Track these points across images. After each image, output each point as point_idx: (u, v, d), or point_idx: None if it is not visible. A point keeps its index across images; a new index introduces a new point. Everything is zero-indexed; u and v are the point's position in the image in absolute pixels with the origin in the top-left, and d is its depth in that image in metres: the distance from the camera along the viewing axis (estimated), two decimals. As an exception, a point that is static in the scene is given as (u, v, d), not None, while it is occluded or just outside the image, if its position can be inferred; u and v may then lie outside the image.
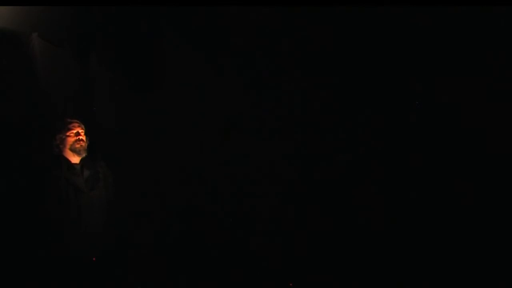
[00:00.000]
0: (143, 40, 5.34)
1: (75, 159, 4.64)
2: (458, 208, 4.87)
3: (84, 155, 4.66)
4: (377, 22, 5.06)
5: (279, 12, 5.14)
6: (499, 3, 4.71)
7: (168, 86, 5.34)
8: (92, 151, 4.72)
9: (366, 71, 5.12)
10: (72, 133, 4.64)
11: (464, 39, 4.91)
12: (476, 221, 4.81)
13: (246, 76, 5.28)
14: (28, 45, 5.09)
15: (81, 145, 4.64)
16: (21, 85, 5.03)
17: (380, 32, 5.08)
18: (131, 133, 5.26)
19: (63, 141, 4.63)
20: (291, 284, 4.87)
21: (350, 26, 5.13)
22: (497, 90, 4.84)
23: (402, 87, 5.06)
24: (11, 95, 4.99)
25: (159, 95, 5.31)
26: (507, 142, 4.82)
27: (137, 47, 5.34)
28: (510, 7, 4.71)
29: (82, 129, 4.68)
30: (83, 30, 5.26)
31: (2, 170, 4.68)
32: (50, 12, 5.06)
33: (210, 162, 5.23)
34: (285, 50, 5.26)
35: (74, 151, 4.63)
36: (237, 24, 5.24)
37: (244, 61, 5.30)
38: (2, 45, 5.01)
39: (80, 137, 4.64)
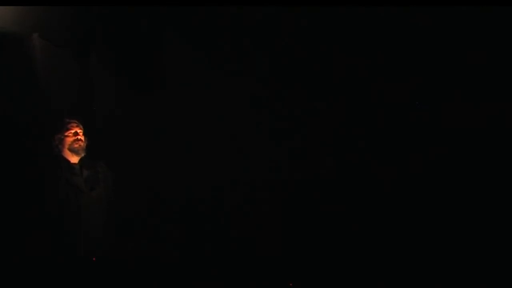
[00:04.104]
0: (143, 40, 5.34)
1: (74, 159, 4.64)
2: (458, 208, 4.87)
3: (82, 155, 4.66)
4: (377, 22, 5.06)
5: (279, 12, 5.14)
6: (499, 3, 4.71)
7: (168, 86, 5.34)
8: (91, 151, 4.72)
9: (366, 71, 5.12)
10: (70, 133, 4.64)
11: (464, 39, 4.91)
12: (475, 221, 4.81)
13: (246, 76, 5.28)
14: (28, 45, 5.09)
15: (79, 145, 4.64)
16: (21, 85, 5.03)
17: (380, 32, 5.08)
18: (131, 133, 5.26)
19: (61, 141, 4.63)
20: (291, 284, 4.87)
21: (350, 26, 5.13)
22: (497, 90, 4.84)
23: (402, 87, 5.06)
24: (11, 95, 4.99)
25: (159, 95, 5.31)
26: (507, 142, 4.82)
27: (137, 47, 5.35)
28: (510, 7, 4.71)
29: (80, 129, 4.68)
30: (83, 30, 5.26)
31: (2, 170, 4.68)
32: (50, 12, 5.05)
33: (210, 162, 5.23)
34: (285, 50, 5.26)
35: (73, 151, 4.63)
36: (237, 24, 5.24)
37: (244, 61, 5.30)
38: (3, 45, 5.00)
39: (79, 137, 4.64)
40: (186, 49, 5.33)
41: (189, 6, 5.09)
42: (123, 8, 5.16)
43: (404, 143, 5.05)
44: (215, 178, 5.22)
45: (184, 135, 5.26)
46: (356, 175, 5.14)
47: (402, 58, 5.05)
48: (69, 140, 4.63)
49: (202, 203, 5.21)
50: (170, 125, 5.27)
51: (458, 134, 4.92)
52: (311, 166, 5.20)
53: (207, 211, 5.19)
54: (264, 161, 5.23)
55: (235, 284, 4.85)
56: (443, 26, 4.92)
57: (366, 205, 5.06)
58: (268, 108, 5.28)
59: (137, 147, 5.22)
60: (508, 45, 4.80)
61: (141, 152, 5.20)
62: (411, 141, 5.04)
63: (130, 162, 5.09)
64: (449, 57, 4.95)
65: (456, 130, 4.92)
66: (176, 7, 5.11)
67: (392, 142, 5.08)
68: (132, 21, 5.30)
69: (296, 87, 5.25)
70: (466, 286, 4.69)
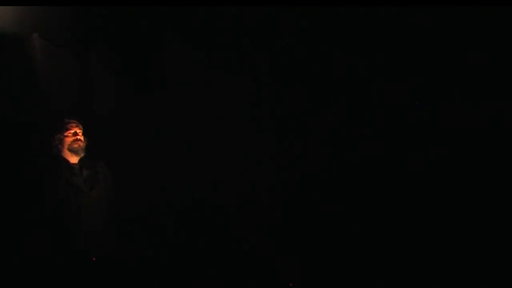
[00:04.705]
0: (143, 40, 5.34)
1: (73, 159, 4.64)
2: (458, 208, 4.87)
3: (82, 155, 4.66)
4: (377, 22, 5.06)
5: (279, 12, 5.14)
6: (499, 3, 4.71)
7: (168, 86, 5.34)
8: (91, 151, 4.72)
9: (366, 71, 5.13)
10: (70, 133, 4.64)
11: (464, 39, 4.91)
12: (475, 221, 4.81)
13: (246, 76, 5.28)
14: (28, 46, 5.09)
15: (79, 145, 4.64)
16: (21, 85, 5.03)
17: (380, 32, 5.08)
18: (131, 133, 5.26)
19: (61, 141, 4.63)
20: (291, 284, 4.87)
21: (350, 26, 5.13)
22: (497, 90, 4.84)
23: (402, 87, 5.06)
24: (11, 95, 4.99)
25: (159, 95, 5.31)
26: (507, 142, 4.82)
27: (137, 47, 5.35)
28: (510, 7, 4.71)
29: (80, 129, 4.68)
30: (83, 30, 5.26)
31: (2, 170, 4.68)
32: (50, 12, 5.05)
33: (210, 162, 5.23)
34: (285, 50, 5.26)
35: (72, 151, 4.64)
36: (237, 24, 5.24)
37: (244, 61, 5.30)
38: (3, 45, 5.00)
39: (78, 137, 4.64)
40: (186, 49, 5.33)
41: (189, 6, 5.09)
42: (123, 8, 5.15)
43: (404, 143, 5.05)
44: (215, 178, 5.22)
45: (184, 135, 5.26)
46: (356, 175, 5.14)
47: (402, 58, 5.05)
48: (68, 140, 4.63)
49: (202, 203, 5.20)
50: (170, 125, 5.27)
51: (458, 134, 4.92)
52: (311, 166, 5.20)
53: (207, 211, 5.19)
54: (264, 161, 5.22)
55: (235, 284, 4.85)
56: (443, 26, 4.92)
57: (366, 205, 5.06)
58: (268, 108, 5.28)
59: (137, 147, 5.21)
60: (508, 45, 4.80)
61: (141, 152, 5.20)
62: (411, 141, 5.04)
63: (130, 162, 5.09)
64: (449, 57, 4.95)
65: (456, 130, 4.92)
66: (176, 7, 5.11)
67: (392, 142, 5.08)
68: (132, 21, 5.30)
69: (296, 87, 5.25)
70: (466, 286, 4.69)
